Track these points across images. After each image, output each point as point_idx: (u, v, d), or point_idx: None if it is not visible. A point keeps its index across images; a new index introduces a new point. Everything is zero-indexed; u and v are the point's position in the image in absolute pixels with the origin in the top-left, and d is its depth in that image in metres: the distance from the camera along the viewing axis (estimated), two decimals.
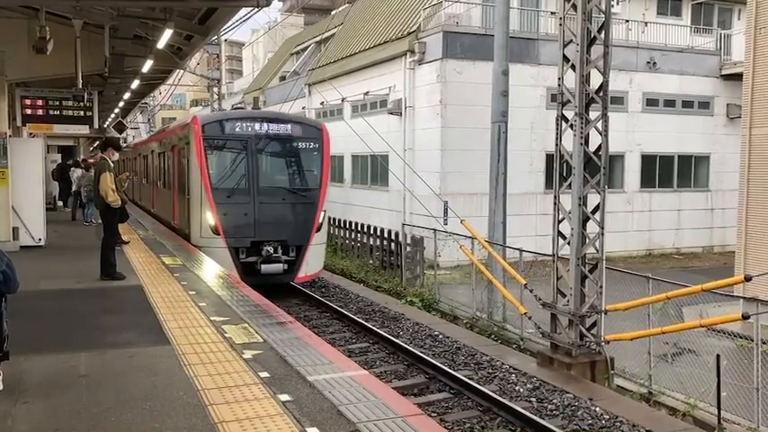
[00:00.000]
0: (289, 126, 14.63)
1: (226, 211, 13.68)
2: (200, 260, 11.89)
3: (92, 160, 19.49)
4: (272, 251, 13.74)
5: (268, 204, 13.96)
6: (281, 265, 13.85)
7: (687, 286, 9.22)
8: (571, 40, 10.08)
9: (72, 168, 22.70)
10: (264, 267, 13.65)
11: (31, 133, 17.60)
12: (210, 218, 13.61)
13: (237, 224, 13.74)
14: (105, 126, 28.42)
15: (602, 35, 10.00)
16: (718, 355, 8.27)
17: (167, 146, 17.93)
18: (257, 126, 14.24)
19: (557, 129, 10.40)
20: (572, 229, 10.09)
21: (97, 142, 31.24)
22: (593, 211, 10.14)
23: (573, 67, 10.06)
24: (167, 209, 17.90)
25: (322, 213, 14.51)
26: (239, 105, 20.41)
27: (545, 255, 11.44)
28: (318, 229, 14.44)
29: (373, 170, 23.84)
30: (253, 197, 13.87)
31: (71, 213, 20.42)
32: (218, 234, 13.59)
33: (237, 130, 14.12)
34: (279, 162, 15.09)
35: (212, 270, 10.99)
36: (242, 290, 9.23)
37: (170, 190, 17.37)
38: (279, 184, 14.51)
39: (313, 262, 14.60)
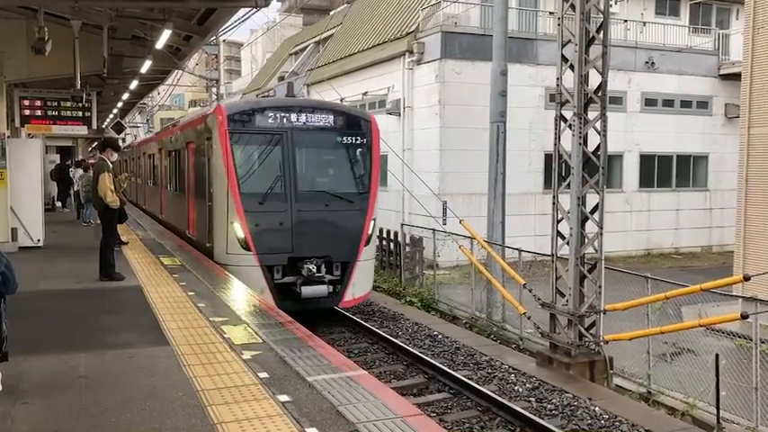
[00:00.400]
0: (331, 116, 12.18)
1: (257, 220, 11.39)
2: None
3: (92, 161, 19.48)
4: (314, 270, 11.38)
5: (308, 212, 11.65)
6: (326, 286, 11.49)
7: (686, 286, 9.23)
8: (569, 41, 10.09)
9: (73, 169, 22.70)
10: (306, 290, 11.33)
11: (29, 134, 17.60)
12: (239, 229, 11.32)
13: (272, 237, 11.48)
14: (104, 126, 28.40)
15: (601, 35, 10.01)
16: (717, 355, 8.28)
17: (180, 143, 15.66)
18: (294, 117, 11.82)
19: (555, 129, 10.41)
20: (571, 228, 10.10)
21: (96, 143, 31.24)
22: (592, 211, 10.15)
23: (571, 67, 10.07)
24: (180, 217, 15.64)
25: (372, 222, 12.23)
26: (267, 93, 19.51)
27: (544, 255, 11.45)
28: (368, 242, 12.17)
29: None
30: (290, 204, 11.57)
31: (75, 213, 20.37)
32: (249, 249, 11.29)
33: (271, 121, 11.68)
34: (320, 160, 12.72)
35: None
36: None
37: (184, 194, 15.06)
38: (320, 188, 12.22)
39: (361, 282, 12.24)
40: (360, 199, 12.16)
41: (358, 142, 12.34)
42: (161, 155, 19.00)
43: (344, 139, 12.27)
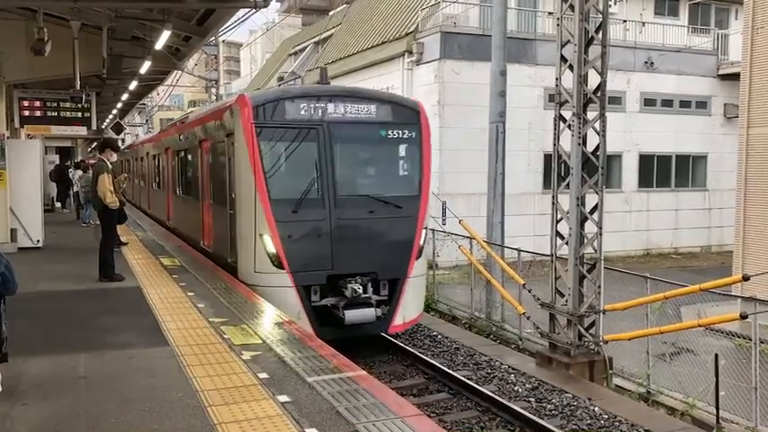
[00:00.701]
0: (374, 106, 10.46)
1: (291, 231, 9.70)
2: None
3: (92, 161, 19.46)
4: (359, 290, 9.61)
5: (349, 221, 9.97)
6: (373, 310, 9.78)
7: (685, 286, 9.24)
8: (569, 41, 10.10)
9: (72, 170, 22.71)
10: (350, 315, 9.56)
11: (29, 134, 17.60)
12: (269, 243, 9.62)
13: (308, 251, 9.80)
14: (103, 127, 28.39)
15: (600, 35, 10.01)
16: (716, 355, 8.28)
17: (192, 140, 13.94)
18: (331, 107, 10.12)
19: (554, 129, 10.42)
20: (570, 228, 10.10)
21: (95, 143, 31.23)
22: (592, 211, 10.15)
23: (570, 67, 10.08)
24: (193, 225, 13.95)
25: (423, 231, 10.54)
26: (291, 80, 17.67)
27: (543, 255, 11.45)
28: (419, 255, 10.46)
29: None
30: (328, 211, 9.86)
31: (75, 214, 20.36)
32: (282, 267, 9.61)
33: (304, 113, 10.00)
34: (362, 158, 11.16)
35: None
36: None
37: (198, 200, 13.37)
38: (363, 191, 10.48)
39: (412, 302, 10.55)
40: (409, 203, 10.41)
41: (405, 136, 10.63)
42: (168, 155, 17.40)
43: (390, 132, 10.53)
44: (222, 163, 11.14)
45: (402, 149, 10.87)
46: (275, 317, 7.68)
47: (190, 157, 14.45)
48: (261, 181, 9.67)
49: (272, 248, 9.62)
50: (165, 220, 17.88)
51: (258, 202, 9.66)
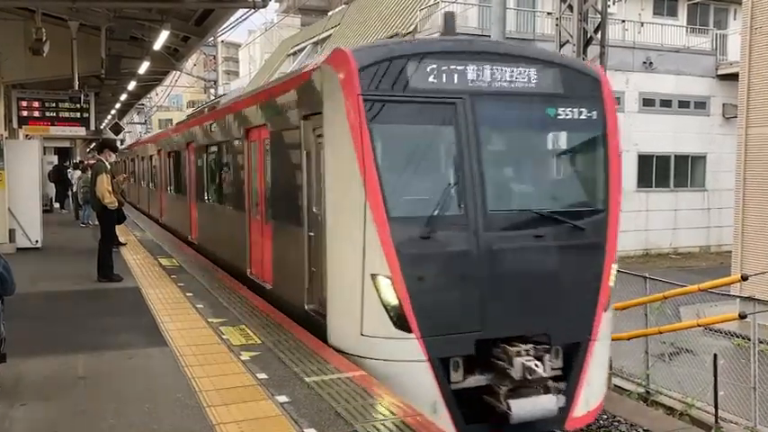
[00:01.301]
0: (534, 71, 6.66)
1: (422, 269, 6.08)
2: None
3: (91, 161, 19.44)
4: (535, 366, 5.92)
5: (509, 251, 6.34)
6: (554, 397, 6.14)
7: (684, 286, 9.25)
8: (567, 41, 10.11)
9: (71, 170, 22.71)
10: (520, 407, 5.91)
11: (27, 135, 17.59)
12: (389, 289, 5.99)
13: (447, 301, 6.17)
14: (102, 127, 28.40)
15: (599, 35, 10.03)
16: (715, 355, 8.30)
17: (230, 132, 10.63)
18: (473, 71, 6.43)
19: None
20: None
21: (94, 144, 31.22)
22: None
23: None
24: (231, 246, 10.71)
25: (613, 267, 6.78)
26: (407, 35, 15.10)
27: None
28: (607, 305, 6.74)
29: None
30: (475, 235, 6.23)
31: (74, 214, 20.35)
32: (408, 328, 5.98)
33: (432, 79, 6.32)
34: (522, 152, 7.28)
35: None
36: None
37: (240, 212, 9.92)
38: (527, 204, 6.86)
39: (598, 378, 6.77)
40: (593, 223, 6.71)
41: (583, 117, 6.84)
42: (189, 152, 14.28)
43: (561, 111, 6.77)
44: (292, 160, 7.70)
45: (579, 138, 7.19)
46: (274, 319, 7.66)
47: (228, 153, 11.00)
48: (374, 188, 6.01)
49: (392, 298, 5.96)
50: (187, 233, 14.53)
51: (370, 221, 6.01)
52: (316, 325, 6.82)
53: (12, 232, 13.24)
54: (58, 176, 23.60)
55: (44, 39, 10.76)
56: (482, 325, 6.17)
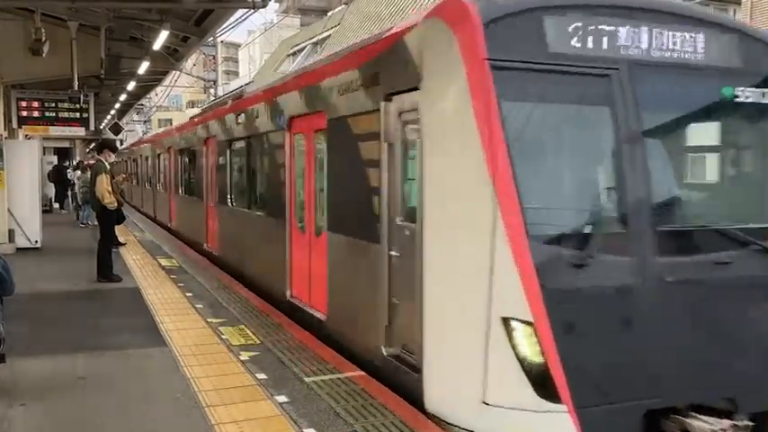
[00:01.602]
0: (703, 36, 4.92)
1: (572, 313, 4.28)
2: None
3: (91, 161, 19.44)
4: None
5: (689, 284, 4.56)
6: None
7: None
8: None
9: (71, 170, 22.71)
10: None
11: (27, 135, 17.59)
12: (529, 339, 4.19)
13: (608, 356, 4.38)
14: (101, 128, 28.42)
15: None
16: None
17: (270, 121, 8.76)
18: (630, 35, 4.70)
19: None
20: None
21: (93, 144, 31.24)
22: None
23: None
24: (261, 257, 9.33)
25: None
26: None
27: None
28: None
29: None
30: (643, 262, 4.48)
31: (74, 215, 20.33)
32: (556, 396, 4.15)
33: (576, 42, 4.55)
34: (690, 146, 5.80)
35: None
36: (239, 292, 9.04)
37: (279, 220, 8.24)
38: (706, 218, 5.15)
39: None
40: None
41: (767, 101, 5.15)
42: (207, 149, 12.52)
43: (741, 93, 5.00)
44: (362, 156, 5.95)
45: (765, 129, 5.36)
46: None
47: (262, 149, 9.31)
48: (508, 194, 4.26)
49: (533, 352, 4.22)
50: (203, 241, 12.87)
51: (502, 241, 4.24)
52: (399, 378, 5.09)
53: (11, 232, 13.24)
54: (57, 177, 23.60)
55: (44, 39, 10.77)
56: (659, 390, 4.44)
